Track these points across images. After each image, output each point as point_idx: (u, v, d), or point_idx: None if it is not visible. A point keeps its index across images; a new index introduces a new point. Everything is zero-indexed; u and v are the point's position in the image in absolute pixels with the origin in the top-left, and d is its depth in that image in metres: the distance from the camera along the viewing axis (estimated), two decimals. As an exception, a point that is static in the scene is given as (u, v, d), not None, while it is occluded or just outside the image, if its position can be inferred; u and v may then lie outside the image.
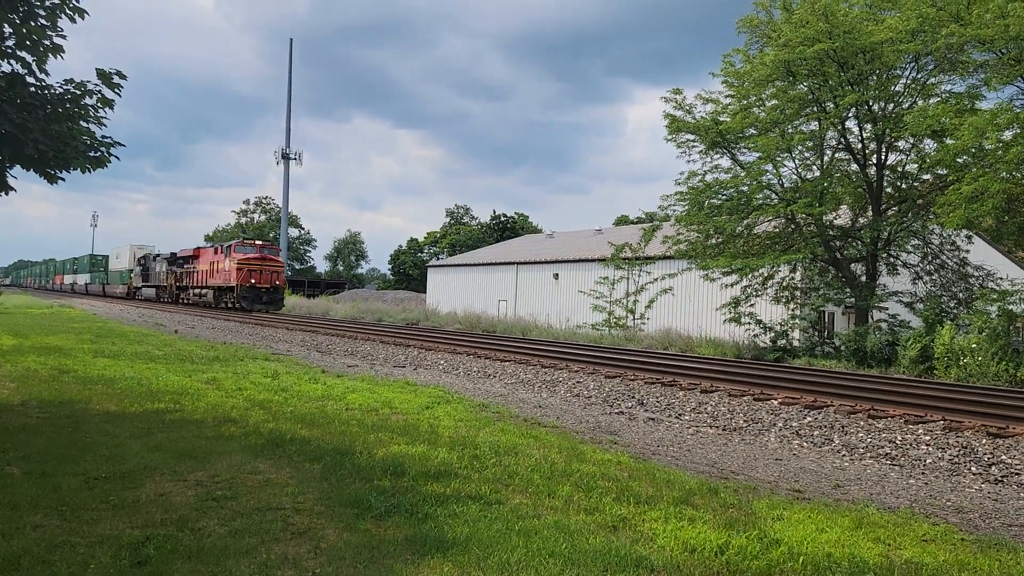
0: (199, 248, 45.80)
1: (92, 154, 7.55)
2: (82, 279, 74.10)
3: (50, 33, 6.89)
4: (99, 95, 7.33)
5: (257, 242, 41.87)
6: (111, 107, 7.42)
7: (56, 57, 7.05)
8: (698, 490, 6.18)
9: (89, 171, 7.56)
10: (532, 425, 9.11)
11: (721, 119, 24.18)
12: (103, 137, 7.66)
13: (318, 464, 6.37)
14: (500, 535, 4.69)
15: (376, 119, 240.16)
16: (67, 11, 6.99)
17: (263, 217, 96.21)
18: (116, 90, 7.37)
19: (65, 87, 7.27)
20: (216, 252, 41.84)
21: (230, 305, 39.33)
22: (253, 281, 38.33)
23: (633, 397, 11.88)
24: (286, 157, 58.57)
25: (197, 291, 43.94)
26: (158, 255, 52.75)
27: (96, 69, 7.29)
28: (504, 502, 5.51)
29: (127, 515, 4.88)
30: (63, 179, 7.60)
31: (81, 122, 7.40)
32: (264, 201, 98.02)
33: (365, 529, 4.77)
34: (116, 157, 7.73)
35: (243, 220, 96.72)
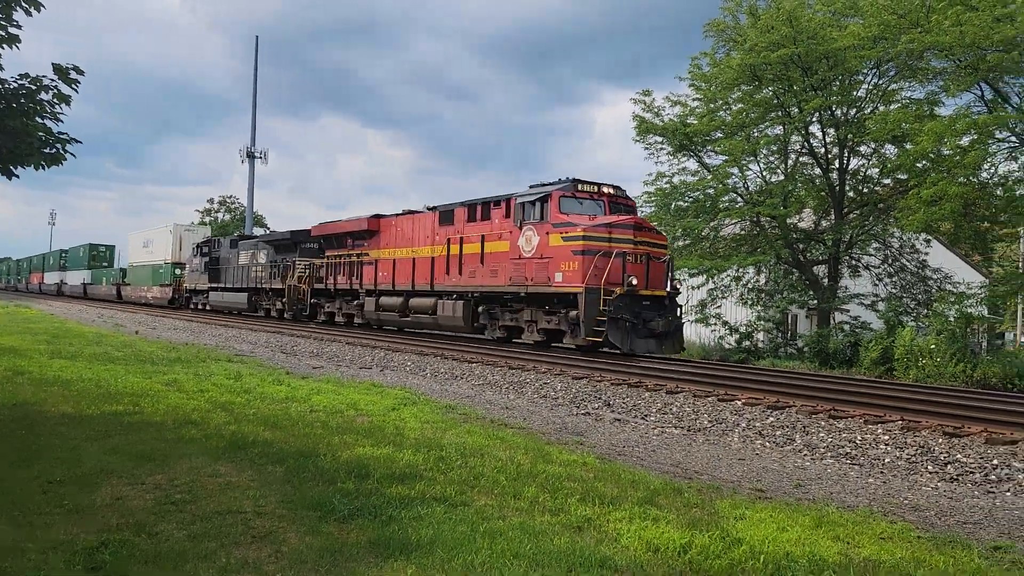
0: (380, 216, 23.83)
1: (48, 151, 7.36)
2: (76, 278, 57.02)
3: (4, 24, 6.70)
4: (55, 91, 7.14)
5: (608, 189, 17.48)
6: (68, 103, 7.23)
7: (11, 48, 6.86)
8: (662, 490, 6.21)
9: (44, 168, 7.37)
10: (499, 426, 9.09)
11: (689, 122, 24.45)
12: (59, 133, 7.46)
13: (281, 467, 6.28)
14: (465, 537, 4.66)
15: (346, 118, 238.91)
16: (23, 3, 6.81)
17: (228, 216, 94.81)
18: (73, 86, 7.18)
19: (20, 82, 7.07)
20: (461, 217, 19.74)
21: (542, 338, 17.77)
22: (635, 282, 15.80)
23: (599, 398, 11.93)
24: (251, 155, 57.67)
25: (387, 300, 22.76)
26: (244, 238, 34.35)
27: (52, 64, 7.09)
28: (469, 504, 5.49)
29: (82, 520, 4.77)
30: (18, 176, 7.40)
31: (36, 118, 7.20)
32: (229, 200, 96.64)
33: (328, 532, 4.72)
34: (72, 155, 7.54)
35: (207, 219, 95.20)
